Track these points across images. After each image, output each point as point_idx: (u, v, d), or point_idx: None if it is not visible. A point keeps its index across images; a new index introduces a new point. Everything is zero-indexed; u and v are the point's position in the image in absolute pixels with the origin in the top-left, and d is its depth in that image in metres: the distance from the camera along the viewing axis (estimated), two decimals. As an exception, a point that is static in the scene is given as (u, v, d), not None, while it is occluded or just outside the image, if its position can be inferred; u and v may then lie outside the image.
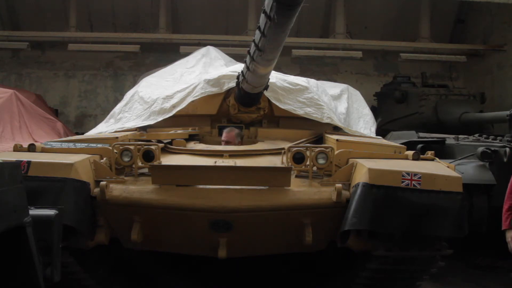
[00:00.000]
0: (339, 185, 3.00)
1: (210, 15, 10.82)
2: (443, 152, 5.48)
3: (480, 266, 5.22)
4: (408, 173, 2.89)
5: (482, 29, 10.71)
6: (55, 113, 9.13)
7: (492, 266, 5.13)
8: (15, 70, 10.96)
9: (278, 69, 4.88)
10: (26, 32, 10.34)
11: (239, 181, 3.04)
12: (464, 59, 10.40)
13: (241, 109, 4.67)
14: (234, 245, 3.20)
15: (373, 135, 5.11)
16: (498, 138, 5.53)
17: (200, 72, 5.39)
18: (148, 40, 10.48)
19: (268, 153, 3.83)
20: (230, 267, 3.95)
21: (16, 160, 2.53)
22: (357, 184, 2.91)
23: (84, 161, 3.09)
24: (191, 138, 4.45)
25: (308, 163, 3.20)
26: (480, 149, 4.87)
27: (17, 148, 3.39)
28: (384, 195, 2.85)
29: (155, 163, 3.23)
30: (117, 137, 3.82)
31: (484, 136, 5.88)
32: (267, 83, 4.18)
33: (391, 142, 4.28)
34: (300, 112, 4.60)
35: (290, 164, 3.24)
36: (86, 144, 3.49)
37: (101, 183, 3.01)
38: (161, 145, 3.69)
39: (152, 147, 3.29)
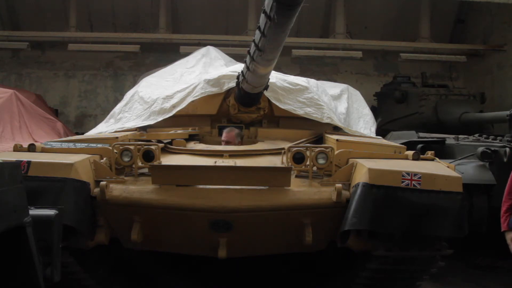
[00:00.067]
0: (339, 185, 3.00)
1: (210, 15, 10.82)
2: (443, 152, 5.48)
3: (480, 266, 5.22)
4: (408, 173, 2.89)
5: (482, 29, 10.71)
6: (55, 113, 9.13)
7: (492, 266, 5.14)
8: (15, 70, 10.97)
9: (278, 69, 4.88)
10: (26, 32, 10.35)
11: (239, 181, 3.04)
12: (464, 59, 10.40)
13: (241, 109, 4.67)
14: (234, 245, 3.20)
15: (373, 135, 5.11)
16: (498, 138, 5.53)
17: (200, 72, 5.39)
18: (148, 40, 10.48)
19: (268, 153, 3.83)
20: (230, 267, 3.95)
21: (16, 160, 2.53)
22: (357, 184, 2.91)
23: (84, 161, 3.08)
24: (191, 138, 4.45)
25: (308, 163, 3.20)
26: (480, 149, 4.87)
27: (17, 148, 3.39)
28: (384, 195, 2.85)
29: (155, 163, 3.23)
30: (117, 137, 3.81)
31: (484, 136, 5.88)
32: (267, 83, 4.18)
33: (391, 142, 4.28)
34: (300, 112, 4.60)
35: (290, 164, 3.23)
36: (86, 144, 3.49)
37: (101, 183, 3.01)
38: (161, 145, 3.69)
39: (152, 147, 3.29)
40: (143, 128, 4.63)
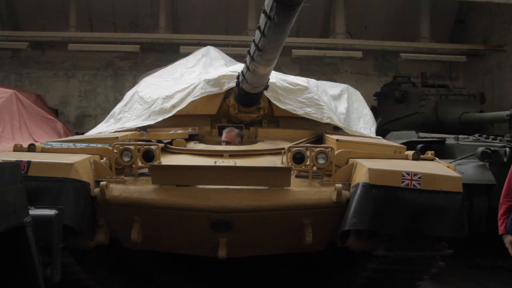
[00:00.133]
0: (339, 185, 3.00)
1: (210, 15, 10.82)
2: (443, 152, 5.49)
3: (480, 266, 5.22)
4: (408, 173, 2.89)
5: (482, 29, 10.71)
6: (55, 113, 9.12)
7: (492, 266, 5.14)
8: (15, 70, 10.96)
9: (278, 69, 4.88)
10: (26, 32, 10.33)
11: (239, 181, 3.04)
12: (464, 59, 10.40)
13: (241, 109, 4.67)
14: (234, 245, 3.20)
15: (373, 135, 5.11)
16: (498, 138, 5.53)
17: (200, 72, 5.39)
18: (148, 40, 10.47)
19: (268, 153, 3.83)
20: (230, 267, 3.95)
21: (16, 160, 2.53)
22: (357, 184, 2.91)
23: (84, 161, 3.09)
24: (191, 138, 4.45)
25: (308, 163, 3.20)
26: (480, 149, 4.87)
27: (17, 148, 3.39)
28: (384, 195, 2.85)
29: (155, 163, 3.23)
30: (117, 137, 3.82)
31: (484, 136, 5.88)
32: (267, 83, 4.18)
33: (391, 142, 4.28)
34: (300, 112, 4.60)
35: (290, 164, 3.23)
36: (86, 144, 3.50)
37: (101, 183, 3.01)
38: (161, 145, 3.70)
39: (152, 147, 3.29)
40: (143, 128, 4.64)
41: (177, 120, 4.63)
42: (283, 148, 3.61)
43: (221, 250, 3.15)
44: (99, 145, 3.45)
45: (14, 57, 10.94)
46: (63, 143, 3.58)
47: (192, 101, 4.60)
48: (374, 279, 3.28)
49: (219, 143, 4.34)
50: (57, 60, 10.94)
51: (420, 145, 5.54)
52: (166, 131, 4.41)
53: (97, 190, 3.02)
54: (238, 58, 5.98)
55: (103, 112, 9.73)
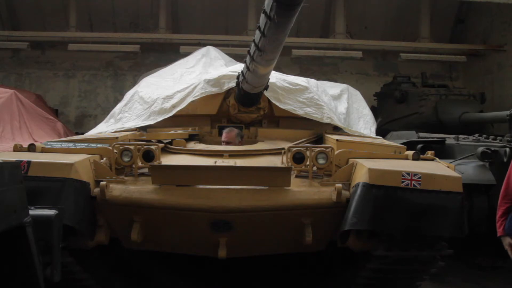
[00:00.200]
0: (339, 185, 3.00)
1: (210, 15, 10.82)
2: (443, 152, 5.48)
3: (480, 266, 5.22)
4: (408, 173, 2.89)
5: (482, 29, 10.71)
6: (55, 113, 9.12)
7: (492, 266, 5.14)
8: (15, 70, 10.96)
9: (278, 69, 4.88)
10: (26, 32, 10.33)
11: (239, 181, 3.04)
12: (464, 59, 10.40)
13: (241, 109, 4.67)
14: (234, 245, 3.20)
15: (373, 135, 5.11)
16: (498, 138, 5.53)
17: (200, 72, 5.39)
18: (148, 40, 10.47)
19: (268, 153, 3.83)
20: (230, 268, 3.95)
21: (16, 160, 2.53)
22: (357, 184, 2.91)
23: (84, 161, 3.09)
24: (191, 138, 4.45)
25: (308, 163, 3.20)
26: (480, 149, 4.87)
27: (17, 148, 3.39)
28: (384, 195, 2.85)
29: (155, 163, 3.23)
30: (117, 137, 3.82)
31: (484, 136, 5.88)
32: (267, 83, 4.18)
33: (391, 142, 4.28)
34: (300, 112, 4.60)
35: (290, 164, 3.23)
36: (86, 144, 3.50)
37: (101, 183, 3.01)
38: (161, 145, 3.70)
39: (152, 147, 3.29)
40: (143, 128, 4.64)
41: (177, 120, 4.63)
42: (283, 148, 3.61)
43: (221, 250, 3.14)
44: (99, 145, 3.45)
45: (14, 57, 10.94)
46: (63, 143, 3.58)
47: (192, 101, 4.60)
48: (374, 279, 3.28)
49: (219, 143, 4.34)
50: (57, 60, 10.94)
51: (420, 145, 5.54)
52: (166, 131, 4.41)
53: (97, 190, 3.02)
54: (238, 58, 5.98)
55: (103, 112, 9.73)
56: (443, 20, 11.22)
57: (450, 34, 11.43)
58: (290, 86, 4.69)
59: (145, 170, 3.26)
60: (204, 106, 4.74)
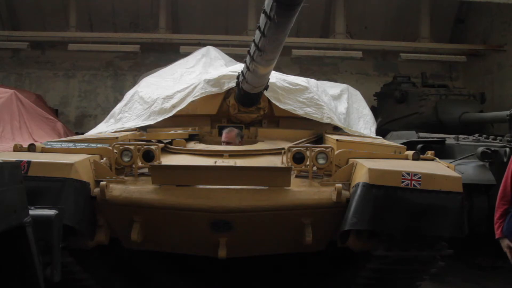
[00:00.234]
0: (339, 185, 3.00)
1: (210, 15, 10.82)
2: (443, 152, 5.48)
3: (480, 266, 5.22)
4: (408, 173, 2.89)
5: (482, 29, 10.71)
6: (55, 113, 9.12)
7: (492, 266, 5.14)
8: (15, 70, 10.96)
9: (278, 69, 4.88)
10: (26, 32, 10.33)
11: (239, 181, 3.04)
12: (464, 59, 10.40)
13: (241, 109, 4.67)
14: (234, 245, 3.20)
15: (373, 135, 5.11)
16: (498, 138, 5.53)
17: (200, 72, 5.39)
18: (148, 40, 10.47)
19: (268, 153, 3.83)
20: (230, 267, 3.95)
21: (16, 160, 2.53)
22: (357, 184, 2.91)
23: (84, 161, 3.09)
24: (191, 138, 4.45)
25: (308, 163, 3.20)
26: (480, 149, 4.87)
27: (17, 148, 3.39)
28: (384, 195, 2.85)
29: (155, 163, 3.23)
30: (117, 137, 3.82)
31: (484, 136, 5.88)
32: (267, 83, 4.18)
33: (391, 142, 4.28)
34: (300, 112, 4.60)
35: (290, 164, 3.23)
36: (86, 144, 3.50)
37: (101, 183, 3.01)
38: (161, 145, 3.70)
39: (152, 147, 3.29)
40: (143, 128, 4.64)
41: (177, 120, 4.63)
42: (283, 148, 3.61)
43: (221, 250, 3.15)
44: (99, 145, 3.45)
45: (14, 57, 10.94)
46: (63, 143, 3.58)
47: (192, 101, 4.60)
48: (374, 279, 3.28)
49: (219, 143, 4.34)
50: (57, 60, 10.94)
51: (420, 145, 5.54)
52: (166, 131, 4.41)
53: (97, 190, 3.02)
54: (238, 58, 5.98)
55: (103, 112, 9.73)
56: (443, 20, 11.22)
57: (450, 34, 11.43)
58: (290, 86, 4.69)
59: (145, 170, 3.26)
60: (204, 106, 4.74)
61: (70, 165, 2.93)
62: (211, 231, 3.11)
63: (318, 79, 5.68)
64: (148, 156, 3.25)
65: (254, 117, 4.78)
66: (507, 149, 4.80)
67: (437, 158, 3.43)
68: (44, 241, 1.92)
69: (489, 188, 4.70)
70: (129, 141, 3.85)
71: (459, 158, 5.16)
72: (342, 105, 5.36)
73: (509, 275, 4.96)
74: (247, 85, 4.08)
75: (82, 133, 6.13)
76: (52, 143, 3.61)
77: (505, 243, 3.06)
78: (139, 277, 4.25)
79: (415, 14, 10.74)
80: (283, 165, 3.43)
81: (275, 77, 4.63)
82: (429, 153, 3.49)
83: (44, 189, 2.82)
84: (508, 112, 6.04)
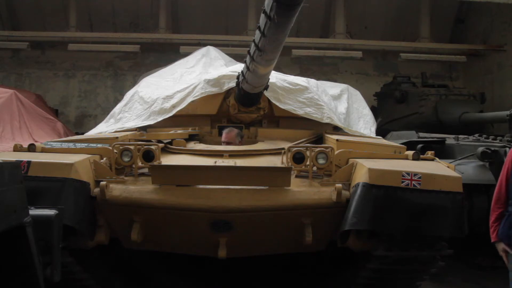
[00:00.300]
0: (339, 185, 3.00)
1: (210, 15, 10.82)
2: (443, 152, 5.49)
3: (480, 266, 5.22)
4: (408, 173, 2.89)
5: (482, 29, 10.72)
6: (55, 113, 9.13)
7: (492, 266, 5.13)
8: (15, 70, 10.97)
9: (278, 69, 4.88)
10: (26, 32, 10.34)
11: (239, 181, 3.04)
12: (464, 59, 10.40)
13: (241, 109, 4.67)
14: (234, 245, 3.20)
15: (373, 135, 5.11)
16: (498, 138, 5.53)
17: (200, 72, 5.39)
18: (148, 40, 10.48)
19: (268, 153, 3.83)
20: (230, 267, 3.95)
21: (16, 160, 2.53)
22: (357, 184, 2.91)
23: (84, 161, 3.08)
24: (191, 138, 4.45)
25: (308, 163, 3.20)
26: (480, 149, 4.87)
27: (17, 148, 3.39)
28: (384, 195, 2.85)
29: (155, 163, 3.23)
30: (117, 137, 3.82)
31: (484, 136, 5.89)
32: (267, 83, 4.18)
33: (391, 142, 4.28)
34: (300, 112, 4.60)
35: (290, 164, 3.23)
36: (86, 144, 3.49)
37: (101, 183, 3.01)
38: (161, 145, 3.70)
39: (152, 147, 3.29)
40: (143, 128, 4.63)
41: (177, 120, 4.63)
42: (283, 148, 3.60)
43: (221, 250, 3.14)
44: (99, 145, 3.45)
45: (14, 57, 10.94)
46: (63, 143, 3.58)
47: (192, 101, 4.60)
48: (374, 279, 3.28)
49: (219, 143, 4.33)
50: (57, 60, 10.94)
51: (420, 145, 5.54)
52: (166, 131, 4.41)
53: (97, 190, 3.02)
54: (238, 58, 5.98)
55: (103, 112, 9.73)
56: (443, 20, 11.23)
57: (450, 34, 11.44)
58: (290, 86, 4.69)
59: (145, 170, 3.26)
60: (204, 106, 4.74)
61: (70, 165, 2.93)
62: (211, 231, 3.11)
63: (318, 79, 5.68)
64: (148, 156, 3.25)
65: (254, 117, 4.78)
66: (507, 149, 4.80)
67: (437, 158, 3.43)
68: (44, 241, 1.92)
69: (489, 188, 4.70)
70: (129, 141, 3.84)
71: (459, 158, 5.17)
72: (342, 105, 5.36)
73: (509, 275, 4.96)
74: (247, 85, 4.08)
75: (82, 133, 6.13)
76: (52, 143, 3.61)
77: (500, 246, 3.01)
78: (139, 277, 4.25)
79: (415, 14, 10.74)
80: (283, 165, 3.43)
81: (275, 77, 4.63)
82: (429, 153, 3.48)
83: (44, 189, 2.82)
84: (508, 112, 6.05)
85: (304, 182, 3.17)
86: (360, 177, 2.95)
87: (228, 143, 4.26)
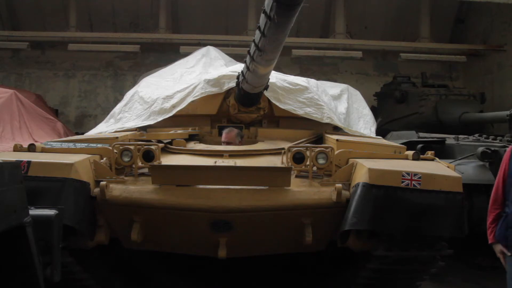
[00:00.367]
0: (339, 185, 3.00)
1: (210, 15, 10.83)
2: (443, 152, 5.49)
3: (480, 266, 5.22)
4: (408, 173, 2.89)
5: (482, 29, 10.72)
6: (55, 113, 9.13)
7: (492, 266, 5.13)
8: (15, 70, 10.97)
9: (278, 69, 4.88)
10: (26, 32, 10.34)
11: (239, 181, 3.04)
12: (464, 59, 10.40)
13: (241, 109, 4.67)
14: (234, 245, 3.20)
15: (373, 135, 5.11)
16: (498, 138, 5.53)
17: (200, 72, 5.39)
18: (148, 40, 10.48)
19: (268, 153, 3.83)
20: (230, 267, 3.95)
21: (16, 160, 2.53)
22: (357, 184, 2.91)
23: (84, 161, 3.08)
24: (191, 138, 4.45)
25: (308, 163, 3.20)
26: (480, 149, 4.87)
27: (17, 148, 3.39)
28: (384, 195, 2.85)
29: (155, 163, 3.23)
30: (117, 137, 3.82)
31: (484, 136, 5.88)
32: (267, 83, 4.18)
33: (391, 142, 4.28)
34: (300, 112, 4.60)
35: (290, 164, 3.23)
36: (86, 144, 3.50)
37: (101, 183, 3.01)
38: (161, 145, 3.70)
39: (152, 147, 3.29)
40: (143, 128, 4.64)
41: (177, 120, 4.63)
42: (283, 148, 3.60)
43: (221, 250, 3.15)
44: (99, 145, 3.45)
45: (14, 57, 10.95)
46: (63, 143, 3.58)
47: (192, 101, 4.60)
48: (374, 279, 3.28)
49: (219, 143, 4.33)
50: (57, 60, 10.95)
51: (420, 145, 5.54)
52: (166, 131, 4.41)
53: (97, 190, 3.02)
54: (238, 58, 5.98)
55: (103, 112, 9.73)
56: (443, 20, 11.23)
57: (450, 34, 11.44)
58: (290, 86, 4.69)
59: (145, 170, 3.26)
60: (204, 106, 4.74)
61: (70, 165, 2.93)
62: (211, 231, 3.11)
63: (318, 79, 5.68)
64: (148, 156, 3.25)
65: (254, 117, 4.78)
66: (507, 149, 4.80)
67: (437, 158, 3.43)
68: (44, 241, 1.92)
69: (489, 188, 4.68)
70: (129, 141, 3.84)
71: (459, 158, 5.17)
72: (342, 105, 5.36)
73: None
74: (247, 85, 4.08)
75: (82, 133, 6.13)
76: (52, 143, 3.61)
77: (498, 248, 2.99)
78: (139, 277, 4.25)
79: (415, 14, 10.74)
80: (283, 165, 3.43)
81: (275, 77, 4.63)
82: (429, 153, 3.48)
83: (44, 189, 2.82)
84: (508, 112, 6.05)
85: (304, 182, 3.17)
86: (360, 177, 2.95)
87: (228, 143, 4.26)
